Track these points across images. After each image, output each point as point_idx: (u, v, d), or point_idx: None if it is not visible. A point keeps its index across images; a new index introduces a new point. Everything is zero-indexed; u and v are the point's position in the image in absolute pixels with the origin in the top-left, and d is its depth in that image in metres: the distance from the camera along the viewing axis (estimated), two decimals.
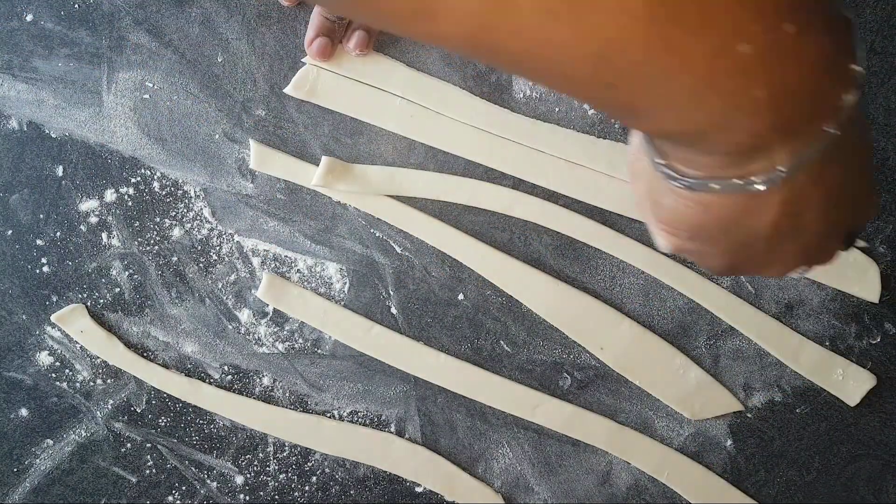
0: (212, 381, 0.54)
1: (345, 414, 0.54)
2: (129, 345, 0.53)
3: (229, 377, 0.54)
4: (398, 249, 0.53)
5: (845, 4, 0.50)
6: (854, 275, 0.52)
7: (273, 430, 0.53)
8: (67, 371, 0.53)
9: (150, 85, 0.53)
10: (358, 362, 0.54)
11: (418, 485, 0.54)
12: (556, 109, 0.52)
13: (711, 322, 0.53)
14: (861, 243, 0.52)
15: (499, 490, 0.54)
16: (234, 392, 0.54)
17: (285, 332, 0.54)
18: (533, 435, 0.54)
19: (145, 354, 0.54)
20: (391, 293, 0.53)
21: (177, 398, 0.53)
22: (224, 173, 0.53)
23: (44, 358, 0.53)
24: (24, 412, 0.53)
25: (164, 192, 0.53)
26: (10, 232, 0.53)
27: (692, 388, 0.53)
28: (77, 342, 0.53)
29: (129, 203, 0.53)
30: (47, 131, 0.53)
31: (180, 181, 0.53)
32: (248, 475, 0.54)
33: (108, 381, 0.54)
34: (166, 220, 0.53)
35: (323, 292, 0.54)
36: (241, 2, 0.52)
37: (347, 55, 0.52)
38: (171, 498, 0.54)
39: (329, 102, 0.52)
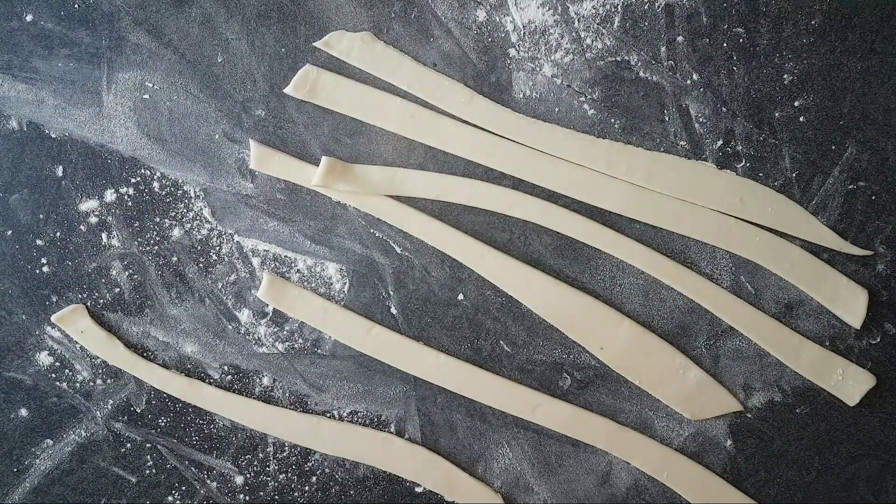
0: (211, 381, 0.54)
1: (344, 414, 0.54)
2: (128, 345, 0.53)
3: (229, 377, 0.54)
4: (398, 249, 0.53)
5: (843, 7, 0.50)
6: (843, 297, 0.52)
7: (273, 431, 0.53)
8: (67, 371, 0.53)
9: (150, 85, 0.52)
10: (358, 362, 0.54)
11: (418, 485, 0.54)
12: (556, 109, 0.52)
13: (711, 322, 0.53)
14: (863, 251, 0.51)
15: (498, 490, 0.54)
16: (233, 392, 0.54)
17: (285, 333, 0.54)
18: (533, 435, 0.54)
19: (145, 355, 0.54)
20: (391, 293, 0.53)
21: (177, 398, 0.53)
22: (224, 173, 0.53)
23: (44, 358, 0.53)
24: (24, 412, 0.53)
25: (163, 193, 0.53)
26: (10, 232, 0.53)
27: (692, 389, 0.53)
28: (77, 342, 0.53)
29: (129, 203, 0.53)
30: (47, 131, 0.53)
31: (180, 181, 0.53)
32: (248, 475, 0.54)
33: (108, 381, 0.54)
34: (166, 220, 0.53)
35: (323, 292, 0.53)
36: (240, 2, 0.52)
37: (357, 42, 0.52)
38: (170, 498, 0.54)
39: (329, 102, 0.52)
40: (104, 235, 0.53)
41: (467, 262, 0.53)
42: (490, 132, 0.52)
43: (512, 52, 0.52)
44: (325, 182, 0.52)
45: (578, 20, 0.51)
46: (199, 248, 0.53)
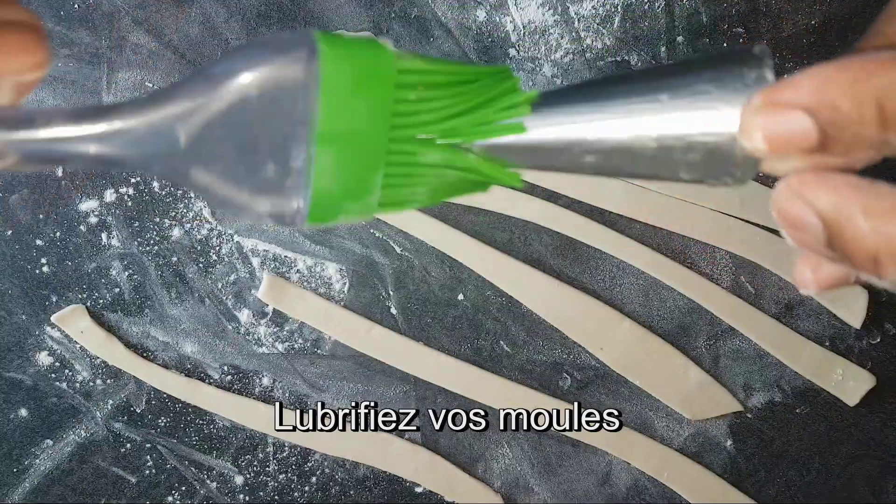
0: (211, 381, 0.54)
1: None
2: (128, 345, 0.53)
3: (229, 377, 0.54)
4: (398, 249, 0.53)
5: (843, 7, 0.50)
6: (843, 297, 0.52)
7: (273, 431, 0.53)
8: (67, 371, 0.53)
9: (150, 85, 0.52)
10: (357, 362, 0.54)
11: (418, 485, 0.54)
12: None
13: (711, 322, 0.53)
14: None
15: (498, 490, 0.54)
16: (233, 392, 0.54)
17: (285, 333, 0.54)
18: (532, 435, 0.54)
19: (145, 355, 0.54)
20: (391, 293, 0.53)
21: (176, 398, 0.53)
22: None
23: (43, 358, 0.53)
24: (23, 412, 0.53)
25: (163, 192, 0.53)
26: (9, 232, 0.53)
27: (692, 389, 0.53)
28: (77, 342, 0.53)
29: (129, 203, 0.53)
30: None
31: None
32: (248, 475, 0.54)
33: (108, 381, 0.53)
34: (166, 220, 0.53)
35: (322, 293, 0.53)
36: (240, 2, 0.52)
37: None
38: (170, 498, 0.54)
39: None
40: (104, 235, 0.53)
41: (467, 262, 0.53)
42: None
43: (512, 52, 0.52)
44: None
45: (578, 20, 0.51)
46: (199, 248, 0.53)
